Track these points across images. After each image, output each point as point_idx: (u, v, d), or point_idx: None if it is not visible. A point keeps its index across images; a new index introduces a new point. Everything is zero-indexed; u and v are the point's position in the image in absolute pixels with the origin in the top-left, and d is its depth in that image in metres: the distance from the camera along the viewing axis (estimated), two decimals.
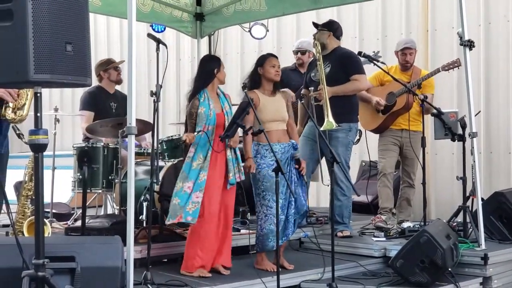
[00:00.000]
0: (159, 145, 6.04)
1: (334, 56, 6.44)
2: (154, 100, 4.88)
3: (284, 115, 5.48)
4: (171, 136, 6.49)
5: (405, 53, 6.89)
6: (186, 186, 5.15)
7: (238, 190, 6.37)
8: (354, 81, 6.36)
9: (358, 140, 6.83)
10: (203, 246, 5.16)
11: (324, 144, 5.31)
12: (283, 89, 5.71)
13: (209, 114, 5.20)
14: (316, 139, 6.28)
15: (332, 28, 6.53)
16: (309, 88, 6.38)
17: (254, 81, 5.49)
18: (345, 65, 6.37)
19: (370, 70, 6.91)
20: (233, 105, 5.47)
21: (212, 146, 5.19)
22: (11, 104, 4.61)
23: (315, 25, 6.64)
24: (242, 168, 5.35)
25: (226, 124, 5.23)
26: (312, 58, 7.17)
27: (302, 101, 6.59)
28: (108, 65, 7.01)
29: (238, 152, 5.40)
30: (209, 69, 5.35)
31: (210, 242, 5.19)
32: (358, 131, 6.66)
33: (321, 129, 5.96)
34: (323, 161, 6.51)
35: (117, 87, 7.22)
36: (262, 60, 5.51)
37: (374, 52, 6.91)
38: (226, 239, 5.34)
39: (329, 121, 6.06)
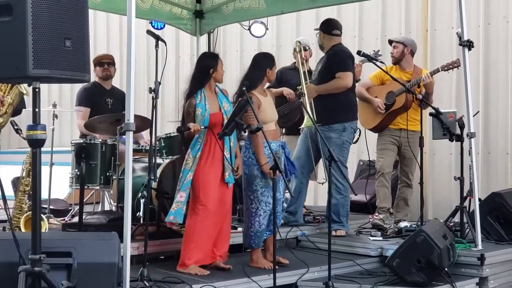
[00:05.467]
0: (157, 142, 6.05)
1: (327, 54, 6.55)
2: (152, 97, 4.88)
3: (276, 114, 5.56)
4: (170, 133, 6.49)
5: (390, 46, 6.97)
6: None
7: (236, 188, 6.36)
8: (336, 79, 6.38)
9: (358, 139, 6.82)
10: (198, 243, 5.15)
11: (322, 142, 5.31)
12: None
13: (204, 115, 5.18)
14: (313, 137, 6.31)
15: (322, 27, 6.65)
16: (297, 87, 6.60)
17: (257, 81, 5.42)
18: (331, 63, 6.45)
19: (371, 69, 6.92)
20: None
21: (204, 146, 5.18)
22: None
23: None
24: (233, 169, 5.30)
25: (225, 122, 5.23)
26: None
27: (301, 100, 6.60)
28: (94, 63, 6.95)
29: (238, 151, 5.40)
30: (205, 68, 5.28)
31: (205, 239, 5.17)
32: (358, 130, 6.66)
33: (302, 126, 6.17)
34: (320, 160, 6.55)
35: (115, 84, 7.18)
36: (272, 63, 5.51)
37: (374, 51, 6.92)
38: (224, 235, 5.33)
39: (308, 118, 6.18)
